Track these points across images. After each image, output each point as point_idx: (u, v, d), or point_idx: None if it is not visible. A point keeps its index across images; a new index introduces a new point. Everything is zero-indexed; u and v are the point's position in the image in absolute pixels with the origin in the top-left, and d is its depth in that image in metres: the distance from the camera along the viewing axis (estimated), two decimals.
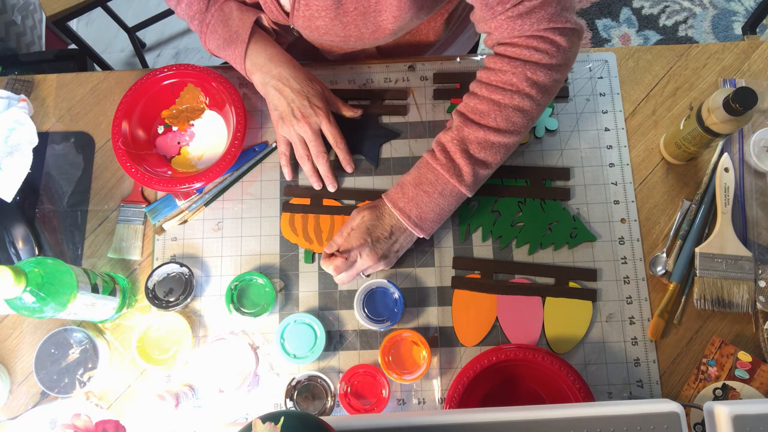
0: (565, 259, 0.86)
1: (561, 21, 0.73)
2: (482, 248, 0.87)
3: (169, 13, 1.80)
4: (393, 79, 0.94)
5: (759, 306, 0.81)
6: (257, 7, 0.85)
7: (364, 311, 0.83)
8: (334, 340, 0.84)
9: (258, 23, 0.85)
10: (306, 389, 0.80)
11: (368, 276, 0.85)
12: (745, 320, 0.82)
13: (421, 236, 0.81)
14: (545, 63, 0.75)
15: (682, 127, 0.82)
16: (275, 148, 0.92)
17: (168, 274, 0.84)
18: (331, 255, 0.80)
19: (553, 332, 0.83)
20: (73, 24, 2.03)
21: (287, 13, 0.82)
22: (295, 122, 0.84)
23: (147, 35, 2.05)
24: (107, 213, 0.90)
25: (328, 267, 0.80)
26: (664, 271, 0.84)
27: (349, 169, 0.89)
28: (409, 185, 0.80)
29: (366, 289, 0.83)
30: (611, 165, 0.89)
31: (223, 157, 0.86)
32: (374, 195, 0.87)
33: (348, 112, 0.90)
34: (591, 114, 0.92)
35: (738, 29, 1.98)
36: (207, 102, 0.93)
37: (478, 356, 0.78)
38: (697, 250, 0.83)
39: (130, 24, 1.80)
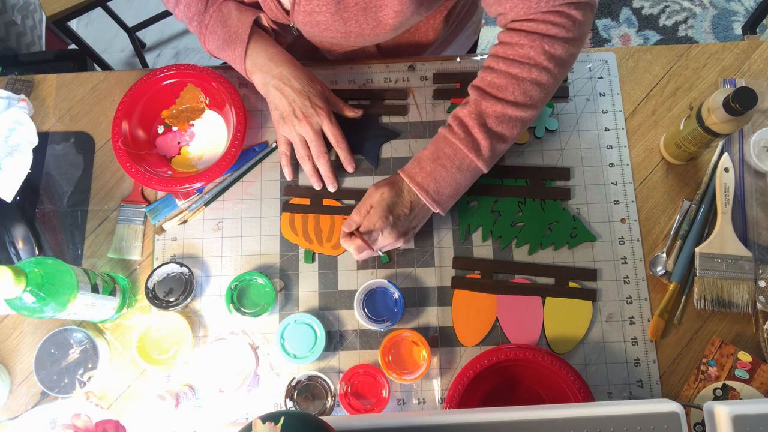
0: (565, 259, 0.86)
1: None
2: (482, 248, 0.87)
3: (168, 13, 1.79)
4: (393, 79, 0.94)
5: (759, 306, 0.81)
6: (256, 6, 0.85)
7: (364, 311, 0.83)
8: (334, 340, 0.84)
9: (257, 23, 0.85)
10: (306, 389, 0.80)
11: (384, 253, 0.85)
12: (745, 320, 0.82)
13: (437, 211, 0.81)
14: (562, 36, 0.75)
15: (682, 127, 0.82)
16: (275, 148, 0.92)
17: (168, 274, 0.84)
18: (351, 234, 0.80)
19: (553, 332, 0.83)
20: (73, 24, 2.04)
21: (287, 12, 0.82)
22: (297, 122, 0.84)
23: (147, 35, 2.05)
24: (107, 213, 0.90)
25: (350, 246, 0.80)
26: (664, 271, 0.84)
27: (350, 168, 0.89)
28: (426, 160, 0.79)
29: (366, 289, 0.83)
30: (611, 165, 0.89)
31: (223, 157, 0.86)
32: None
33: (349, 113, 0.90)
34: (591, 114, 0.92)
35: (738, 29, 1.99)
36: (207, 102, 0.93)
37: (478, 356, 0.78)
38: (697, 250, 0.83)
39: (130, 24, 1.80)
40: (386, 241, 0.79)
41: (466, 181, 0.80)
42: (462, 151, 0.78)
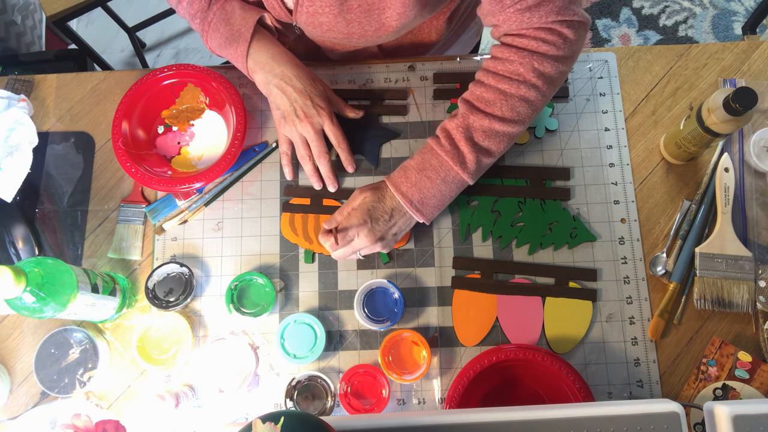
0: (565, 259, 0.86)
1: (569, 14, 0.74)
2: (482, 248, 0.87)
3: (169, 13, 1.79)
4: (393, 79, 0.94)
5: (759, 306, 0.81)
6: (260, 5, 0.85)
7: (364, 311, 0.83)
8: (334, 340, 0.84)
9: (261, 22, 0.85)
10: (306, 389, 0.80)
11: (364, 256, 0.85)
12: (745, 320, 0.82)
13: (421, 221, 0.81)
14: (552, 54, 0.75)
15: (682, 127, 0.82)
16: (275, 147, 0.92)
17: (168, 274, 0.84)
18: (329, 231, 0.81)
19: (553, 332, 0.83)
20: (73, 24, 2.03)
21: (290, 11, 0.82)
22: (298, 122, 0.84)
23: (147, 35, 2.05)
24: (107, 213, 0.90)
25: (326, 242, 0.81)
26: (664, 271, 0.84)
27: (350, 169, 0.89)
28: (412, 170, 0.80)
29: (366, 289, 0.83)
30: (611, 165, 0.89)
31: (223, 157, 0.86)
32: None
33: (350, 113, 0.90)
34: (591, 114, 0.92)
35: (738, 29, 1.99)
36: (207, 102, 0.93)
37: (478, 356, 0.78)
38: (697, 250, 0.83)
39: (130, 24, 1.80)
40: (363, 242, 0.80)
41: (451, 193, 0.81)
42: (447, 163, 0.78)
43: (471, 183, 0.80)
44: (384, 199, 0.81)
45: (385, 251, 0.84)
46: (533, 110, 0.78)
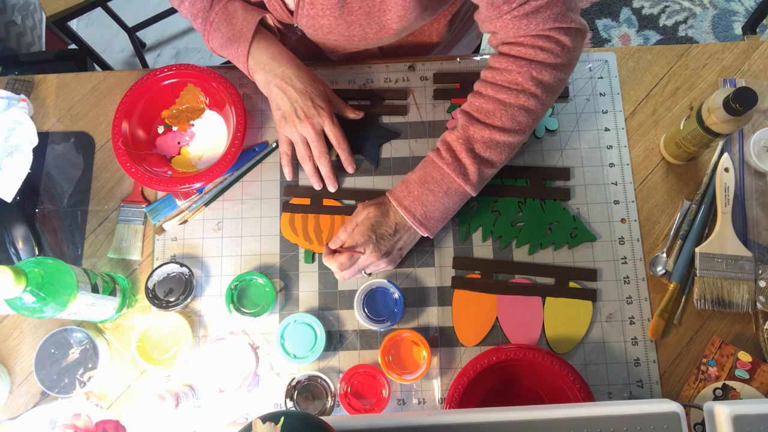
0: (565, 259, 0.86)
1: (566, 21, 0.73)
2: (482, 248, 0.87)
3: (169, 13, 1.80)
4: (393, 79, 0.94)
5: (759, 306, 0.81)
6: (261, 6, 0.85)
7: (364, 311, 0.83)
8: (334, 340, 0.84)
9: (262, 23, 0.85)
10: (306, 389, 0.80)
11: (369, 274, 0.85)
12: (745, 320, 0.82)
13: (426, 235, 0.81)
14: (550, 62, 0.75)
15: (682, 127, 0.82)
16: (275, 147, 0.92)
17: (168, 274, 0.84)
18: (335, 251, 0.80)
19: (553, 332, 0.83)
20: (73, 24, 2.03)
21: (291, 12, 0.82)
22: (298, 122, 0.84)
23: (147, 35, 2.05)
24: (107, 213, 0.90)
25: (332, 264, 0.80)
26: (664, 271, 0.84)
27: (350, 169, 0.89)
28: (414, 184, 0.80)
29: (366, 289, 0.83)
30: (611, 165, 0.89)
31: (223, 157, 0.86)
32: (374, 195, 0.87)
33: (350, 114, 0.90)
34: (591, 114, 0.92)
35: (738, 29, 1.99)
36: (207, 102, 0.93)
37: (478, 356, 0.78)
38: (698, 250, 0.83)
39: (130, 24, 1.80)
40: (368, 260, 0.80)
41: (454, 205, 0.80)
42: (450, 176, 0.78)
43: (474, 195, 0.80)
44: (388, 215, 0.80)
45: (390, 267, 0.83)
46: (533, 119, 0.78)
